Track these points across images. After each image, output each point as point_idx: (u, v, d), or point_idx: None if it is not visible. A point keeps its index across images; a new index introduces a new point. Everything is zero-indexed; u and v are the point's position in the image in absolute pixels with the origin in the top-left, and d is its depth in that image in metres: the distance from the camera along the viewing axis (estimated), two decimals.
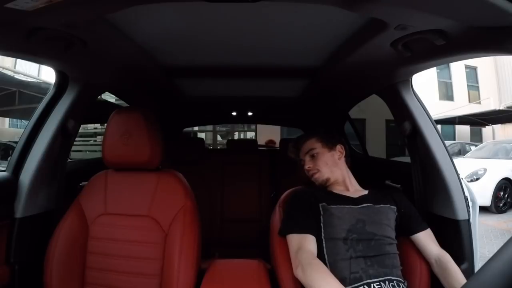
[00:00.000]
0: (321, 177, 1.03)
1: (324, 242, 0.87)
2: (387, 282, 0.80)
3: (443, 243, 0.93)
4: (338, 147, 1.08)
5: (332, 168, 1.03)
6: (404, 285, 0.83)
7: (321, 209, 0.92)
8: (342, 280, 0.77)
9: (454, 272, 0.84)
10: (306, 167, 1.06)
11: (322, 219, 0.90)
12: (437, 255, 0.89)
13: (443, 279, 0.85)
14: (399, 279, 0.83)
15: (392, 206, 0.95)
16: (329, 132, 1.14)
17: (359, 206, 0.93)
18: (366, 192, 1.01)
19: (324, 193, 1.00)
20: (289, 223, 0.92)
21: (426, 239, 0.92)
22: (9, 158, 1.35)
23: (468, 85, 11.60)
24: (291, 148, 1.16)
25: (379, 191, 1.02)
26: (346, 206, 0.92)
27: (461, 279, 0.82)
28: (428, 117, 1.07)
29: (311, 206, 0.93)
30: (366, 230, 0.87)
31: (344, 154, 1.08)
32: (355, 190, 1.02)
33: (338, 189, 1.02)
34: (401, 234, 0.94)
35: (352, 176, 1.07)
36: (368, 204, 0.93)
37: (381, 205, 0.94)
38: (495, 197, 4.81)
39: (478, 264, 1.01)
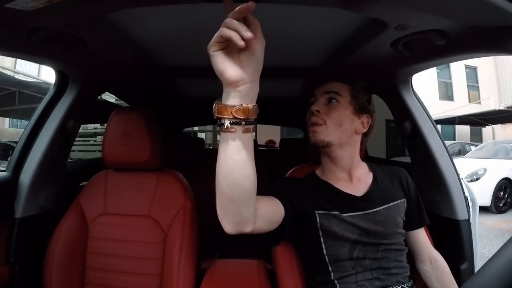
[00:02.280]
0: (323, 134, 0.80)
1: (327, 258, 0.78)
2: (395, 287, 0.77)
3: (443, 243, 0.93)
4: (365, 116, 0.84)
5: (342, 136, 0.80)
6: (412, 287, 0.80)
7: (318, 218, 0.77)
8: None
9: (451, 277, 0.83)
10: (314, 108, 0.82)
11: (320, 233, 0.77)
12: (433, 254, 0.86)
13: (437, 280, 0.83)
14: (405, 284, 0.78)
15: (402, 200, 0.83)
16: (368, 94, 0.88)
17: (363, 212, 0.78)
18: (371, 179, 0.84)
19: (319, 184, 0.84)
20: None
21: (424, 235, 0.88)
22: (9, 158, 1.35)
23: (468, 85, 11.62)
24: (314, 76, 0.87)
25: (386, 177, 0.86)
26: (348, 214, 0.77)
27: (455, 284, 0.82)
28: (428, 117, 1.07)
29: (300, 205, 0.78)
30: (372, 242, 0.77)
31: (365, 131, 0.85)
32: (358, 180, 0.84)
33: (339, 178, 0.83)
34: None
35: (360, 161, 0.87)
36: (375, 210, 0.78)
37: (390, 204, 0.80)
38: (495, 197, 4.81)
39: (478, 264, 1.01)
